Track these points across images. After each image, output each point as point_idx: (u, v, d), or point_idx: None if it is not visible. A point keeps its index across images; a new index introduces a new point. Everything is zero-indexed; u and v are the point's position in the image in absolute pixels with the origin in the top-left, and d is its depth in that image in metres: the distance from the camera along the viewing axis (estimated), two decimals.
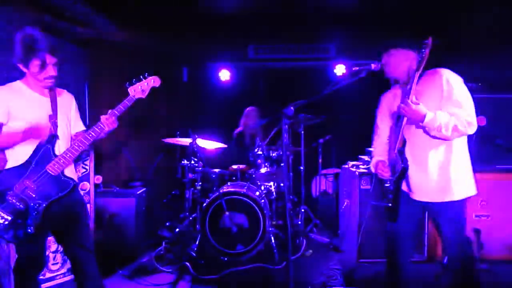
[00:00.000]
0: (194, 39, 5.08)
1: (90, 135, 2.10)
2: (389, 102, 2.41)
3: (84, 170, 3.16)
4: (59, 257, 2.96)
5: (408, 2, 3.88)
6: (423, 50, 2.05)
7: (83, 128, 2.39)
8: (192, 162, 3.87)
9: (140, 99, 2.24)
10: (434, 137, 2.07)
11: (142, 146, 4.94)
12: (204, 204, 3.50)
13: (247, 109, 4.66)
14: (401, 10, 4.04)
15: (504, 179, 3.35)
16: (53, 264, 2.93)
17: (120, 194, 3.48)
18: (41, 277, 2.86)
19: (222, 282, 3.03)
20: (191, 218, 3.89)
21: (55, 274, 2.92)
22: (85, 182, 3.10)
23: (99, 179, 3.29)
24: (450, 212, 2.15)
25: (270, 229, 3.51)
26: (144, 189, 3.72)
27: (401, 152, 2.17)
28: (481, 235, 3.24)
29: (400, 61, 2.20)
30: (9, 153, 2.05)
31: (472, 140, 3.20)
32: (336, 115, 4.39)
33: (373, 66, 2.37)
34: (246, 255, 3.39)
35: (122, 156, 4.65)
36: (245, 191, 3.49)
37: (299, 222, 3.95)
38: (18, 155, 2.04)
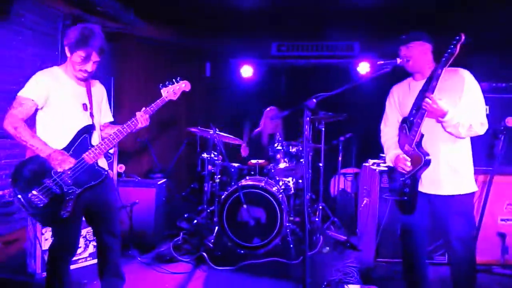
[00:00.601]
0: (217, 35, 5.14)
1: (124, 129, 2.22)
2: (402, 93, 2.42)
3: (109, 158, 3.26)
4: (81, 241, 3.07)
5: (432, 0, 3.79)
6: (453, 47, 2.04)
7: (111, 119, 2.48)
8: (212, 155, 3.92)
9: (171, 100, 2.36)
10: (449, 133, 2.14)
11: (164, 139, 5.04)
12: (223, 197, 3.53)
13: (267, 109, 4.59)
14: (425, 7, 3.95)
15: None
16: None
17: (141, 184, 3.57)
18: None
19: (238, 273, 3.06)
20: (209, 210, 3.94)
21: (77, 257, 3.03)
22: (108, 170, 3.19)
23: (122, 167, 3.39)
24: (459, 206, 2.18)
25: (287, 224, 3.50)
26: (164, 180, 3.80)
27: (419, 146, 2.17)
28: (506, 239, 3.13)
29: (422, 54, 2.24)
30: (47, 138, 2.11)
31: (501, 141, 3.11)
32: (358, 113, 4.33)
33: (398, 60, 2.35)
34: (262, 249, 3.40)
35: (144, 148, 4.76)
36: (263, 185, 3.50)
37: (317, 219, 3.93)
38: (56, 141, 2.11)
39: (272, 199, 3.43)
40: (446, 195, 2.17)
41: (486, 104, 3.37)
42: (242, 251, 3.41)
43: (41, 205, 2.02)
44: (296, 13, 4.43)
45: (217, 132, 3.64)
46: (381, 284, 2.77)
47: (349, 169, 4.78)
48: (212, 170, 3.91)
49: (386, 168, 3.38)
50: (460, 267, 2.24)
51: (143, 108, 2.28)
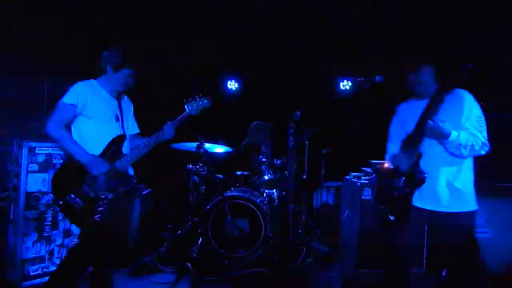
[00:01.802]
0: (204, 48, 5.23)
1: (153, 140, 2.39)
2: (405, 112, 2.47)
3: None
4: (63, 251, 3.03)
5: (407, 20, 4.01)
6: (460, 74, 2.10)
7: (138, 131, 2.63)
8: (198, 166, 3.96)
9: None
10: (451, 153, 2.18)
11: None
12: (207, 207, 3.56)
13: (254, 123, 4.65)
14: (402, 26, 4.17)
15: None
16: (57, 258, 3.00)
17: None
18: (45, 270, 2.92)
19: (221, 284, 3.07)
20: (193, 221, 3.94)
21: None
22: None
23: None
24: (461, 222, 2.19)
25: (271, 235, 3.55)
26: (149, 190, 3.80)
27: (418, 163, 2.22)
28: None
29: (428, 78, 2.28)
30: (82, 145, 2.23)
31: None
32: (340, 126, 4.47)
33: (377, 78, 2.48)
34: (246, 260, 3.43)
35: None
36: (248, 196, 3.56)
37: (300, 231, 3.99)
38: (90, 148, 2.24)
39: (256, 210, 3.49)
40: (449, 212, 2.20)
41: None
42: (226, 262, 3.42)
43: (78, 208, 2.16)
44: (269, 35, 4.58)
45: (203, 143, 3.69)
46: None
47: (332, 183, 4.90)
48: (197, 181, 3.94)
49: (367, 182, 3.50)
50: (459, 283, 2.26)
51: (169, 121, 2.45)
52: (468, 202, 2.22)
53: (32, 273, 2.85)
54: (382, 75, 2.47)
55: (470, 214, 2.21)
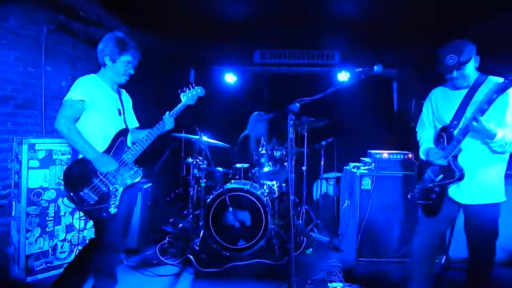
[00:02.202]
0: (202, 42, 5.22)
1: (154, 131, 2.42)
2: (440, 99, 2.45)
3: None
4: (66, 246, 3.05)
5: (408, 10, 4.00)
6: (508, 81, 2.08)
7: (137, 124, 2.65)
8: (197, 160, 3.97)
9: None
10: (494, 151, 2.19)
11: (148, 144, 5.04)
12: (208, 200, 3.58)
13: (254, 114, 4.68)
14: (403, 17, 4.16)
15: None
16: (60, 252, 3.02)
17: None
18: (48, 265, 2.95)
19: (224, 275, 3.11)
20: (194, 214, 3.97)
21: (62, 262, 3.01)
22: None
23: None
24: (486, 214, 2.24)
25: (272, 226, 3.59)
26: (150, 184, 3.82)
27: (455, 160, 2.26)
28: None
29: (472, 70, 2.26)
30: (89, 140, 2.24)
31: None
32: (339, 118, 4.49)
33: (375, 68, 2.48)
34: (247, 251, 3.46)
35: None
36: (248, 188, 3.58)
37: (300, 222, 4.03)
38: (96, 143, 2.25)
39: (257, 202, 3.51)
40: (476, 204, 2.24)
41: None
42: (227, 254, 3.46)
43: (92, 202, 2.19)
44: (278, 22, 4.57)
45: (203, 137, 3.70)
46: (362, 282, 2.89)
47: (331, 173, 4.93)
48: (198, 175, 3.96)
49: (366, 171, 3.53)
50: (477, 272, 2.33)
51: (168, 112, 2.50)
52: (496, 194, 2.25)
53: (36, 268, 2.88)
54: (381, 65, 2.48)
55: (497, 205, 2.26)
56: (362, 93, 5.24)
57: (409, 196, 2.91)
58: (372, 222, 3.44)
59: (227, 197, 3.44)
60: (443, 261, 3.21)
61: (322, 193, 4.77)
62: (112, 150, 2.29)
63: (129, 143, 2.41)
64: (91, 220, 2.74)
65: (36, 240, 2.88)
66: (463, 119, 2.26)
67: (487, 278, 2.32)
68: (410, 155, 3.58)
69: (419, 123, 2.64)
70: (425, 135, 2.55)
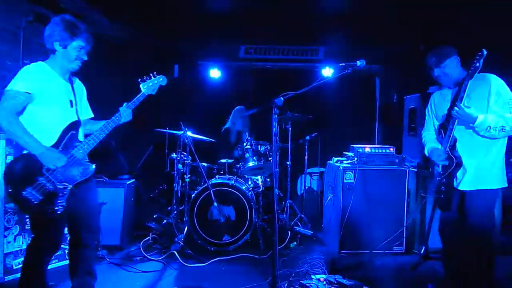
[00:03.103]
0: (186, 37, 5.17)
1: (110, 124, 2.25)
2: (437, 101, 2.63)
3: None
4: None
5: (394, 6, 4.06)
6: (476, 62, 2.24)
7: (92, 115, 2.50)
8: (182, 155, 3.95)
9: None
10: (483, 136, 2.32)
11: (131, 140, 4.97)
12: (193, 196, 3.57)
13: (236, 108, 4.75)
14: (386, 13, 4.23)
15: None
16: None
17: (109, 184, 3.53)
18: None
19: (208, 270, 3.11)
20: (179, 210, 3.95)
21: None
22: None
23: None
24: (481, 200, 2.37)
25: (257, 220, 3.61)
26: (133, 180, 3.78)
27: (453, 149, 2.39)
28: None
29: (453, 69, 2.43)
30: (35, 134, 2.07)
31: None
32: (323, 113, 4.54)
33: (358, 63, 2.53)
34: (232, 245, 3.47)
35: (110, 150, 4.68)
36: (233, 183, 3.59)
37: (285, 216, 4.06)
38: (44, 137, 2.09)
39: (241, 197, 3.53)
40: (473, 190, 2.36)
41: None
42: (212, 248, 3.46)
43: (36, 202, 2.02)
44: (263, 17, 4.57)
45: (187, 132, 3.68)
46: (345, 273, 2.94)
47: (315, 168, 4.98)
48: (182, 170, 3.93)
49: (349, 165, 3.58)
50: (472, 258, 2.40)
51: (125, 103, 2.34)
52: (494, 180, 2.37)
53: (15, 267, 2.81)
54: (364, 60, 2.53)
55: (492, 191, 2.38)
56: (346, 88, 5.30)
57: (423, 194, 3.11)
58: (355, 215, 3.51)
59: (211, 192, 3.43)
60: (422, 251, 3.30)
61: (306, 187, 4.82)
62: (61, 145, 2.11)
63: (80, 137, 2.23)
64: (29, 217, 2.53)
65: (15, 239, 2.82)
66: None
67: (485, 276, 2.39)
68: (391, 149, 3.66)
69: (424, 127, 2.78)
70: (429, 136, 2.69)
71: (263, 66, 5.63)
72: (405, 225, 3.55)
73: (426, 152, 2.66)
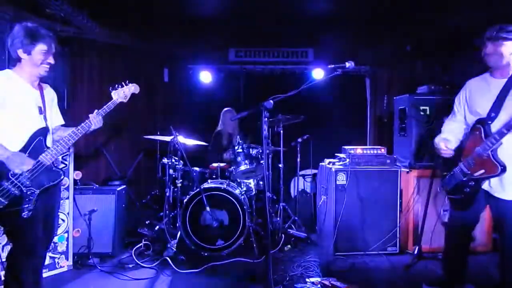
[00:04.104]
0: (175, 41, 5.14)
1: (79, 131, 2.26)
2: (477, 89, 2.41)
3: (64, 165, 3.15)
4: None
5: (383, 9, 4.09)
6: None
7: (62, 122, 2.50)
8: (173, 160, 3.91)
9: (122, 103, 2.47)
10: None
11: (122, 145, 4.92)
12: (185, 201, 3.54)
13: (224, 109, 4.81)
14: (375, 15, 4.26)
15: None
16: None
17: (100, 191, 3.47)
18: None
19: (202, 275, 3.07)
20: (171, 215, 3.91)
21: None
22: (64, 177, 3.09)
23: (78, 174, 3.28)
24: None
25: (250, 224, 3.58)
26: (124, 186, 3.73)
27: (496, 153, 2.24)
28: None
29: (507, 52, 2.22)
30: (1, 139, 2.08)
31: None
32: (314, 115, 4.54)
33: (347, 64, 2.54)
34: (226, 250, 3.44)
35: (101, 156, 4.62)
36: (225, 187, 3.57)
37: (278, 219, 4.04)
38: (10, 143, 2.09)
39: (234, 201, 3.50)
40: (508, 200, 2.25)
41: (425, 105, 3.72)
42: (206, 254, 3.43)
43: (1, 206, 2.01)
44: (253, 20, 4.57)
45: (178, 137, 3.64)
46: (339, 275, 2.93)
47: (308, 170, 4.98)
48: (173, 175, 3.89)
49: (342, 167, 3.58)
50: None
51: (96, 110, 2.36)
52: None
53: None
54: (352, 62, 2.54)
55: None
56: (336, 90, 5.33)
57: (438, 189, 2.95)
58: (348, 217, 3.51)
59: (204, 197, 3.40)
60: (416, 252, 3.31)
61: (299, 189, 4.81)
62: (28, 150, 2.11)
63: (48, 143, 2.24)
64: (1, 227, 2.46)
65: (3, 248, 2.75)
66: (501, 111, 2.23)
67: None
68: (383, 150, 3.68)
69: (450, 115, 2.60)
70: (449, 127, 2.55)
71: (253, 68, 5.64)
72: (398, 225, 3.56)
73: (436, 139, 2.52)
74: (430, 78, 4.30)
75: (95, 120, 2.32)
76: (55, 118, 2.42)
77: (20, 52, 2.12)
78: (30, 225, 2.11)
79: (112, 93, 2.43)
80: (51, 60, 2.19)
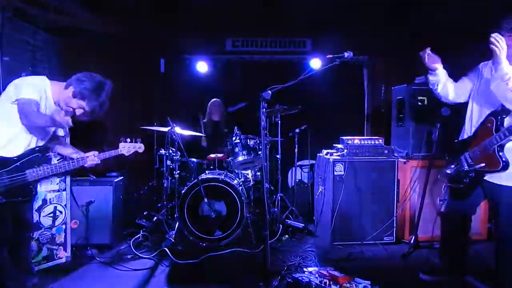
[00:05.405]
0: (171, 31, 5.07)
1: (73, 164, 2.37)
2: (486, 71, 2.44)
3: (60, 157, 3.12)
4: (34, 244, 2.92)
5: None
6: None
7: (63, 133, 2.60)
8: (170, 151, 3.90)
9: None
10: None
11: (118, 136, 4.89)
12: (183, 192, 3.54)
13: (211, 100, 4.90)
14: (373, 4, 4.22)
15: None
16: None
17: (97, 182, 3.46)
18: None
19: (201, 266, 3.09)
20: (169, 206, 3.91)
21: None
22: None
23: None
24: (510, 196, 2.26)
25: (248, 215, 3.59)
26: (121, 178, 3.71)
27: (502, 149, 2.24)
28: None
29: None
30: (8, 135, 2.14)
31: (437, 129, 3.41)
32: (311, 105, 4.52)
33: (346, 54, 2.52)
34: (224, 241, 3.46)
35: (98, 147, 4.59)
36: (223, 178, 3.56)
37: (276, 209, 4.06)
38: (12, 144, 2.15)
39: (232, 192, 3.50)
40: (507, 186, 2.26)
41: (423, 96, 3.71)
42: (204, 244, 3.44)
43: None
44: (250, 9, 4.52)
45: (175, 127, 3.62)
46: (337, 264, 2.96)
47: (305, 161, 4.98)
48: (171, 166, 3.88)
49: (339, 157, 3.58)
50: (505, 248, 2.35)
51: (97, 152, 2.46)
52: None
53: None
54: (351, 52, 2.52)
55: None
56: (334, 80, 5.29)
57: (438, 176, 2.95)
58: (346, 207, 3.53)
59: (201, 187, 3.40)
60: (412, 241, 3.34)
61: (297, 180, 4.82)
62: (22, 160, 2.17)
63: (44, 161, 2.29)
64: None
65: None
66: None
67: None
68: (380, 140, 3.68)
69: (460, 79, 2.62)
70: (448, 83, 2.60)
71: (251, 58, 5.57)
72: (395, 215, 3.58)
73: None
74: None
75: (91, 160, 2.40)
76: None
77: (70, 87, 2.22)
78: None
79: (120, 144, 2.55)
80: (78, 113, 2.25)
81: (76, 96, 2.21)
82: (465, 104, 2.63)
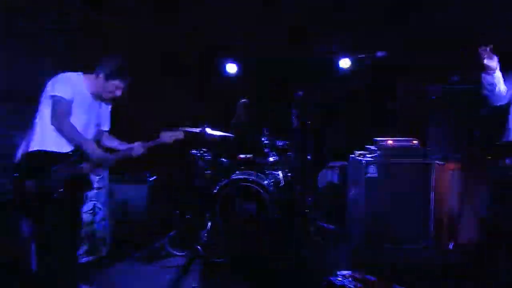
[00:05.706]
0: (203, 31, 5.15)
1: (120, 155, 2.42)
2: None
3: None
4: None
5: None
6: None
7: (107, 128, 2.59)
8: (202, 151, 3.96)
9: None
10: None
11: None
12: (214, 191, 3.59)
13: (240, 101, 4.82)
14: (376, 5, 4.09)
15: None
16: None
17: (133, 181, 3.58)
18: None
19: (232, 265, 3.12)
20: (201, 205, 3.98)
21: None
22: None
23: None
24: None
25: (278, 216, 3.59)
26: (155, 177, 3.82)
27: None
28: None
29: None
30: (50, 138, 2.16)
31: None
32: (342, 106, 4.46)
33: (378, 54, 2.46)
34: (255, 241, 3.47)
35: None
36: (254, 178, 3.58)
37: (307, 211, 4.03)
38: (58, 144, 2.17)
39: (263, 192, 3.51)
40: None
41: (459, 95, 3.52)
42: (236, 244, 3.47)
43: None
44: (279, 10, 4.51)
45: (206, 128, 3.68)
46: (370, 268, 2.89)
47: (336, 162, 4.91)
48: (202, 166, 3.95)
49: (372, 159, 3.51)
50: None
51: (141, 143, 2.47)
52: None
53: None
54: (384, 51, 2.46)
55: None
56: (365, 79, 5.17)
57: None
58: (379, 209, 3.44)
59: (233, 187, 3.44)
60: (450, 246, 3.21)
61: (327, 181, 4.76)
62: (69, 159, 2.20)
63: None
64: None
65: None
66: None
67: None
68: (415, 142, 3.56)
69: None
70: None
71: (280, 59, 5.56)
72: (431, 219, 3.45)
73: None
74: (464, 67, 4.10)
75: (137, 150, 2.42)
76: (104, 123, 2.52)
77: (101, 74, 2.26)
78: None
79: (161, 133, 2.56)
80: (119, 93, 2.32)
81: (109, 78, 2.26)
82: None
